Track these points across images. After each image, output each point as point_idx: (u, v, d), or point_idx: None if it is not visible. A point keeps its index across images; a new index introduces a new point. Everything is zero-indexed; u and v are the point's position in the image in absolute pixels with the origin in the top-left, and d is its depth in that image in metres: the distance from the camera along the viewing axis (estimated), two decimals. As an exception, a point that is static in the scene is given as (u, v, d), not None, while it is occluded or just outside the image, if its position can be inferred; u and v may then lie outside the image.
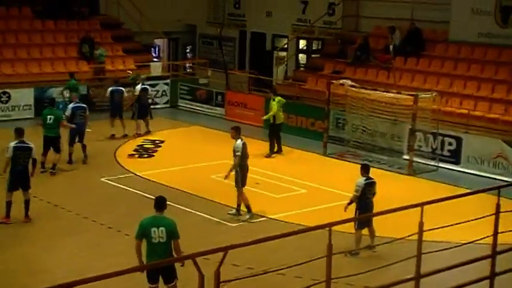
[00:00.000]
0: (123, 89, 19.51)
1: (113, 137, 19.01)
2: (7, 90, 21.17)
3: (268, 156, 17.78)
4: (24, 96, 21.47)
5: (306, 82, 22.67)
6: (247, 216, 12.86)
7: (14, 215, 12.42)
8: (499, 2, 19.45)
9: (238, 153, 12.60)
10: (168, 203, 13.42)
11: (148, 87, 20.57)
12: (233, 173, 12.83)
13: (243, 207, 12.93)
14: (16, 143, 11.99)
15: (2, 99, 21.05)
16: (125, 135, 19.21)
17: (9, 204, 12.06)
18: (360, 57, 21.83)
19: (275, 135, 18.10)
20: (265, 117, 18.73)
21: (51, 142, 15.30)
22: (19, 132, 12.16)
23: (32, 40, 23.92)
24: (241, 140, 12.80)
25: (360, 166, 11.71)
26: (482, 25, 19.72)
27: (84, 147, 16.49)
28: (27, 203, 12.22)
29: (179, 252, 8.10)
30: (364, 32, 22.95)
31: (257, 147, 18.78)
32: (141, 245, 8.18)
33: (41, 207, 13.15)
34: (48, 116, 15.39)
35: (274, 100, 18.11)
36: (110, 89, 19.40)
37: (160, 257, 8.08)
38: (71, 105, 16.51)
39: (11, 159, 11.90)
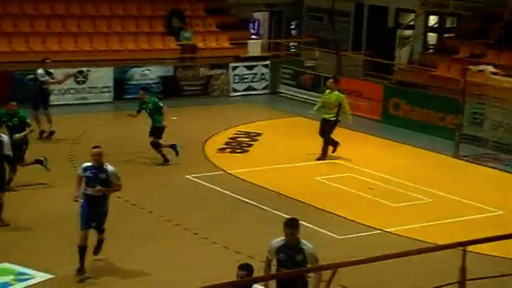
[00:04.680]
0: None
1: (41, 134, 17.78)
2: (84, 69, 21.94)
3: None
4: (103, 77, 22.19)
5: (435, 67, 22.23)
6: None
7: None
8: None
9: None
10: (263, 207, 13.76)
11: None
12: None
13: None
14: None
15: (78, 79, 21.85)
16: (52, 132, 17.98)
17: None
18: (507, 37, 21.14)
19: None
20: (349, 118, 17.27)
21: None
22: None
23: (113, 11, 24.73)
24: None
25: None
26: None
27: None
28: None
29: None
30: (512, 7, 22.29)
31: (374, 145, 18.63)
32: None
33: (117, 206, 13.53)
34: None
35: (334, 93, 17.10)
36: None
37: None
38: None
39: None
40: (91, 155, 10.56)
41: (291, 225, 7.91)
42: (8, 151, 12.22)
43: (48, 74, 18.06)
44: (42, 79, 17.87)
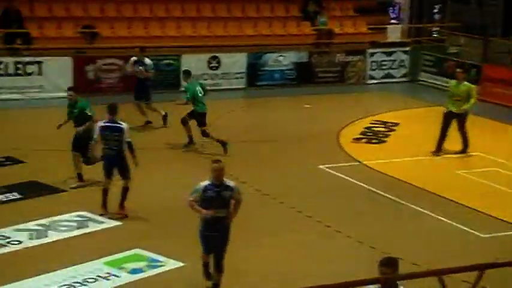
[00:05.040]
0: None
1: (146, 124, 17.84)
2: (217, 54, 22.27)
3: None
4: (236, 63, 22.44)
5: None
6: None
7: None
8: None
9: None
10: (400, 201, 13.48)
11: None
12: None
13: None
14: (104, 122, 12.31)
15: (212, 65, 22.19)
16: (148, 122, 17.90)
17: (104, 192, 12.38)
18: None
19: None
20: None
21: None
22: (111, 109, 12.39)
23: (248, -5, 24.99)
24: None
25: None
26: None
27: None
28: (124, 191, 12.36)
29: None
30: None
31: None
32: None
33: (248, 196, 13.61)
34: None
35: (464, 83, 16.31)
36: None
37: None
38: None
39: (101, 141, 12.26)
40: (212, 170, 9.52)
41: (387, 264, 6.34)
42: (128, 138, 12.27)
43: (140, 63, 17.69)
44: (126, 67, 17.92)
